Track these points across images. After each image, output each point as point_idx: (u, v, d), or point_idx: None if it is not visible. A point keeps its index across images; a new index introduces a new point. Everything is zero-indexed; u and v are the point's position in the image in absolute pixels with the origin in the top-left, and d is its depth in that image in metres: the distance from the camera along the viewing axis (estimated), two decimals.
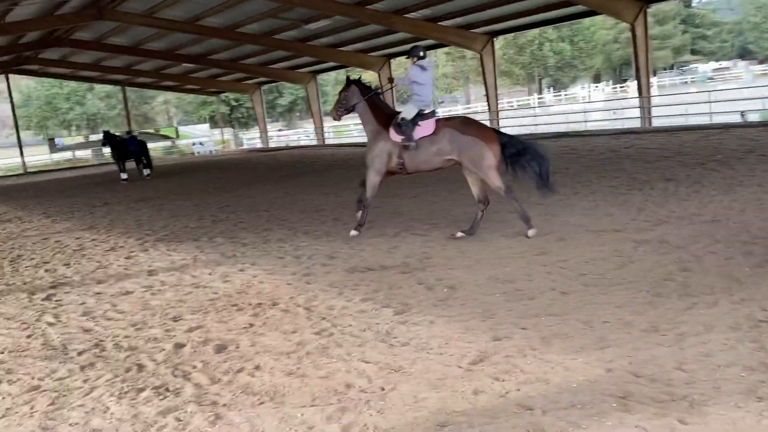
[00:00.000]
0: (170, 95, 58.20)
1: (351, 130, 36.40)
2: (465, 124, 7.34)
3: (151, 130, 46.41)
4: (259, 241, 8.56)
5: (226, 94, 45.96)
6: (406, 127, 7.34)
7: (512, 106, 46.62)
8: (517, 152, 7.08)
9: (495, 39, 24.42)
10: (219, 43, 27.06)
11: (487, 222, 8.03)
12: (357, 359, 4.06)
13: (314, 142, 35.41)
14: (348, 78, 8.11)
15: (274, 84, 45.13)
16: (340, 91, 8.09)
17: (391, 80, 8.50)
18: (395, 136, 7.44)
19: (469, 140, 7.07)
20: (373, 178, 7.81)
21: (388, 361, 3.97)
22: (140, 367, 4.33)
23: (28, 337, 5.29)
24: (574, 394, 3.29)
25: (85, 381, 4.18)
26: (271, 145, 38.45)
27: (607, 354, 3.76)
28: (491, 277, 5.61)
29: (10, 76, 35.49)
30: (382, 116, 7.67)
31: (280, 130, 54.74)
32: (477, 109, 48.52)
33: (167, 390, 3.89)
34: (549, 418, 3.08)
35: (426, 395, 3.46)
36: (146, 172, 21.53)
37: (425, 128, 7.30)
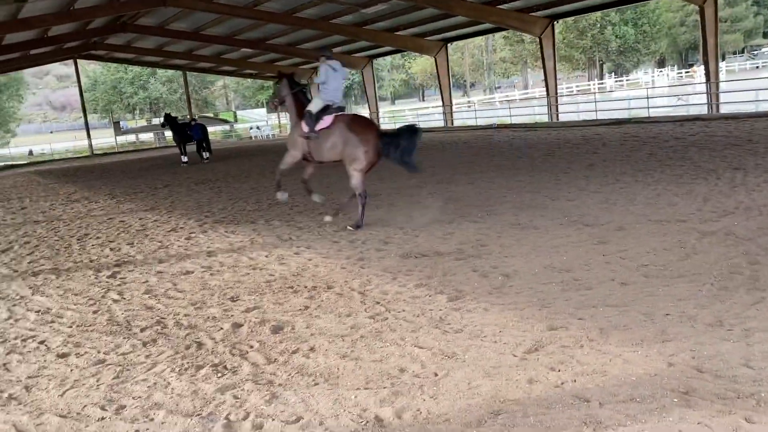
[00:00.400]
0: (229, 80, 59.31)
1: (406, 115, 36.29)
2: (352, 122, 7.97)
3: (210, 114, 47.45)
4: (314, 224, 8.66)
5: None
6: (310, 119, 8.01)
7: (571, 91, 45.50)
8: (393, 141, 7.89)
9: (555, 23, 23.80)
10: (277, 28, 27.33)
11: (544, 210, 7.89)
12: (410, 344, 4.07)
13: None
14: (279, 72, 8.94)
15: None
16: (274, 83, 8.76)
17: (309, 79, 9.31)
18: (303, 127, 8.10)
19: (351, 138, 7.80)
20: (285, 160, 8.73)
21: (441, 347, 3.96)
22: (199, 345, 4.46)
23: (95, 312, 5.52)
24: (633, 388, 3.21)
25: (147, 356, 4.33)
26: None
27: (668, 347, 3.65)
28: (548, 266, 5.51)
29: (79, 61, 36.86)
30: (301, 109, 8.29)
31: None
32: (535, 95, 47.59)
33: (225, 368, 3.99)
34: (606, 411, 3.01)
35: (480, 382, 3.44)
36: (206, 155, 22.05)
37: (325, 122, 7.96)
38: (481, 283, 5.24)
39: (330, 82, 8.13)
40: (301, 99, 8.47)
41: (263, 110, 48.65)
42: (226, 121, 45.39)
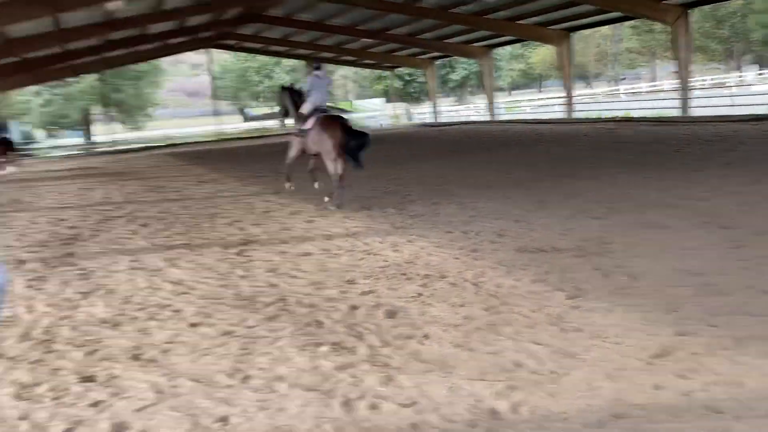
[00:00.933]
0: (348, 70, 60.63)
1: (524, 106, 35.43)
2: (324, 122, 9.53)
3: (329, 104, 48.78)
4: (428, 213, 8.70)
5: (400, 68, 46.88)
6: (299, 120, 9.99)
7: (704, 84, 42.43)
8: (352, 140, 9.41)
9: (690, 11, 22.25)
10: (397, 18, 27.57)
11: (673, 209, 7.45)
12: (527, 340, 4.00)
13: (485, 118, 35.00)
14: (281, 86, 11.02)
15: (447, 59, 45.19)
16: (278, 95, 10.90)
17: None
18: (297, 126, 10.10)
19: (321, 135, 9.46)
20: (289, 155, 10.80)
21: (560, 346, 3.86)
22: (319, 324, 4.63)
23: (223, 286, 5.87)
24: None
25: (271, 331, 4.55)
26: (441, 120, 38.66)
27: None
28: (677, 269, 5.19)
29: (211, 50, 39.14)
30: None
31: (451, 105, 54.85)
32: (663, 87, 44.81)
33: (343, 347, 4.12)
34: (742, 426, 2.81)
35: (601, 384, 3.32)
36: None
37: (309, 122, 9.66)
38: (603, 283, 5.04)
39: (315, 90, 9.82)
40: (299, 104, 10.07)
41: (380, 100, 49.38)
42: (343, 111, 46.52)
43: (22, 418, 3.46)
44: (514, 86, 77.41)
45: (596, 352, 3.73)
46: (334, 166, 9.56)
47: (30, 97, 50.31)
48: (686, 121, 20.54)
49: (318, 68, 10.19)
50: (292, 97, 10.32)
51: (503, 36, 29.59)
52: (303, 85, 10.19)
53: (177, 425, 3.24)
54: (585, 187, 9.67)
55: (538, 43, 40.09)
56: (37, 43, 21.49)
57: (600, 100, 35.84)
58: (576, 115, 28.67)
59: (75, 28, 21.54)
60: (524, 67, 68.91)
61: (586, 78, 68.13)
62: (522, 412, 3.11)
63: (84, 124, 51.27)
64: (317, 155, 9.95)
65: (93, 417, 3.40)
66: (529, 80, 76.66)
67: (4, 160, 22.39)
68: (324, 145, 9.46)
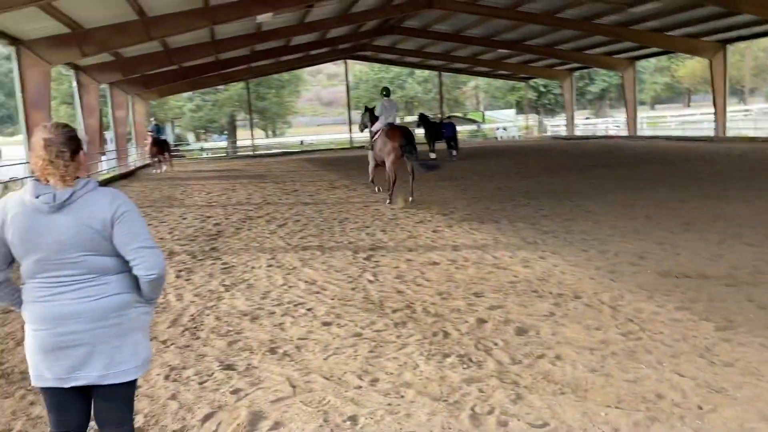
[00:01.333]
0: (481, 80, 60.29)
1: (668, 122, 33.39)
2: (387, 132, 11.29)
3: (459, 114, 48.71)
4: (560, 230, 8.42)
5: (535, 80, 45.88)
6: (372, 135, 12.04)
7: None
8: (408, 151, 11.19)
9: None
10: (535, 29, 27.03)
11: None
12: (669, 370, 3.74)
13: (624, 133, 33.34)
14: (365, 107, 13.17)
15: (586, 70, 43.63)
16: (362, 114, 13.20)
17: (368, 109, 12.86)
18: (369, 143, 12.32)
19: (384, 142, 11.26)
20: (369, 168, 12.57)
21: (707, 379, 3.57)
22: (446, 334, 4.62)
23: (353, 289, 6.03)
24: None
25: (398, 337, 4.61)
26: (577, 133, 37.33)
27: None
28: None
29: (348, 61, 40.51)
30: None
31: (587, 118, 52.81)
32: None
33: (470, 360, 4.07)
34: None
35: (755, 425, 3.03)
36: (453, 153, 22.73)
37: (376, 135, 11.68)
38: (757, 315, 4.61)
39: (385, 113, 11.71)
40: (374, 123, 12.07)
41: (511, 111, 48.60)
42: (474, 121, 46.29)
43: (171, 398, 3.75)
44: (658, 100, 73.13)
45: (749, 390, 3.41)
46: (392, 170, 11.41)
47: (183, 102, 54.77)
48: None
49: (387, 95, 12.07)
50: (371, 116, 12.27)
51: (649, 48, 28.07)
52: (378, 106, 11.90)
53: (310, 420, 3.36)
54: (736, 210, 8.92)
55: (687, 55, 37.64)
56: (194, 52, 23.37)
57: (756, 118, 32.89)
58: (728, 133, 26.53)
59: (227, 39, 23.21)
60: (669, 80, 64.85)
61: (740, 93, 62.92)
62: None
63: (229, 128, 55.00)
64: (383, 164, 11.59)
65: (233, 404, 3.62)
66: (675, 94, 72.07)
67: (159, 159, 25.44)
68: (386, 147, 11.21)
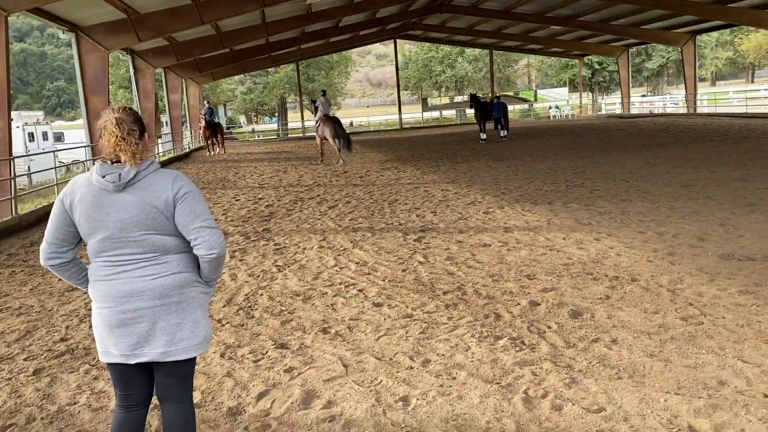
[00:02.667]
0: (533, 58, 59.02)
1: (730, 98, 32.00)
2: (324, 121, 17.33)
3: (511, 93, 47.89)
4: (616, 211, 8.20)
5: (589, 57, 44.62)
6: (316, 121, 18.12)
7: None
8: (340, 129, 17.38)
9: None
10: (590, 3, 26.19)
11: None
12: (732, 356, 3.61)
13: (683, 110, 32.15)
14: (312, 100, 20.00)
15: (642, 46, 42.16)
16: (313, 101, 19.28)
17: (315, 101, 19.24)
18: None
19: (322, 128, 17.33)
20: (317, 141, 18.77)
21: None
22: (497, 316, 4.57)
23: (403, 271, 6.03)
24: None
25: (449, 318, 4.59)
26: (633, 111, 36.19)
27: None
28: None
29: (397, 41, 40.24)
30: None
31: (643, 95, 51.12)
32: None
33: (523, 343, 4.03)
34: None
35: None
36: (503, 133, 22.39)
37: (319, 122, 17.75)
38: None
39: (323, 107, 17.75)
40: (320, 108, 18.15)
41: (565, 89, 47.47)
42: (525, 100, 45.43)
43: (227, 375, 3.84)
44: (719, 76, 70.18)
45: None
46: (334, 143, 17.18)
47: (235, 85, 55.59)
48: None
49: (324, 95, 18.47)
50: (314, 103, 18.64)
51: (710, 21, 26.83)
52: (319, 102, 17.95)
53: (362, 399, 3.39)
54: None
55: (752, 28, 35.89)
56: (245, 35, 23.61)
57: None
58: None
59: (277, 21, 23.35)
60: (732, 55, 62.06)
61: None
62: None
63: (280, 111, 55.59)
64: (325, 139, 17.61)
65: (287, 382, 3.68)
66: (738, 70, 69.00)
67: (213, 142, 27.26)
68: (326, 132, 17.22)
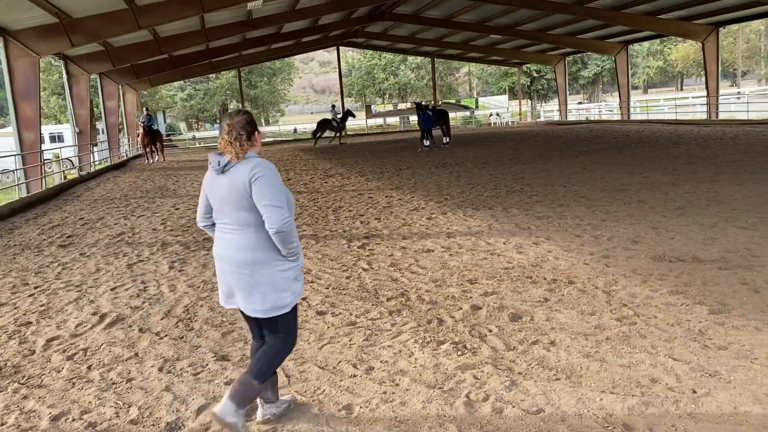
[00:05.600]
0: (474, 67, 60.07)
1: (661, 105, 33.37)
2: (144, 131, 23.12)
3: (452, 101, 48.58)
4: (554, 215, 8.41)
5: (528, 65, 45.75)
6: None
7: None
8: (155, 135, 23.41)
9: None
10: (527, 13, 26.89)
11: None
12: (663, 354, 3.75)
13: (617, 117, 33.34)
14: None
15: (578, 55, 43.54)
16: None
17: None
18: None
19: (142, 137, 23.58)
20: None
21: (701, 363, 3.58)
22: (440, 321, 4.61)
23: (347, 278, 6.02)
24: None
25: (393, 325, 4.60)
26: (570, 118, 37.28)
27: None
28: None
29: (340, 48, 40.27)
30: None
31: (579, 102, 52.74)
32: None
33: (465, 347, 4.07)
34: None
35: (748, 409, 3.04)
36: (445, 140, 22.68)
37: (140, 130, 23.76)
38: (751, 299, 4.62)
39: (142, 118, 21.47)
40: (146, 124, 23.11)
41: (505, 97, 48.48)
42: (467, 108, 46.17)
43: (165, 389, 3.73)
44: (651, 84, 73.15)
45: (743, 374, 3.42)
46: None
47: (175, 91, 54.41)
48: None
49: (147, 110, 20.67)
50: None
51: (642, 31, 27.98)
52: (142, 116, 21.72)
53: (305, 409, 3.35)
54: (730, 193, 8.93)
55: (679, 38, 37.58)
56: (184, 41, 23.14)
57: (749, 101, 32.94)
58: (720, 116, 26.56)
59: (218, 27, 22.99)
60: (662, 64, 64.83)
61: (732, 76, 63.01)
62: (657, 431, 2.91)
63: (222, 117, 54.74)
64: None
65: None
66: (668, 78, 72.11)
67: (151, 149, 26.82)
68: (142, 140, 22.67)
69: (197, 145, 40.39)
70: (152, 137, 24.04)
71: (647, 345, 3.91)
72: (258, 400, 3.21)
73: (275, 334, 3.11)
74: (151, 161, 24.16)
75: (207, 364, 4.06)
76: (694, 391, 3.26)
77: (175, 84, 50.91)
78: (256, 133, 3.04)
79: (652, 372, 3.52)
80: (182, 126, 59.82)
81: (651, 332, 4.12)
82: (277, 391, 3.26)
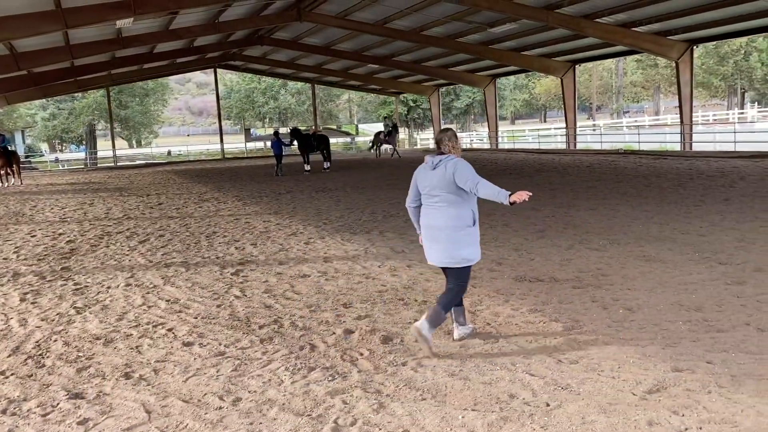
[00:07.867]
0: (354, 94, 61.05)
1: (526, 135, 35.60)
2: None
3: (333, 126, 49.00)
4: None
5: (405, 95, 47.20)
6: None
7: (707, 120, 42.73)
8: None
9: (695, 47, 22.48)
10: (403, 45, 27.83)
11: (672, 243, 7.46)
12: (522, 370, 3.97)
13: (487, 146, 35.17)
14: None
15: (451, 86, 45.55)
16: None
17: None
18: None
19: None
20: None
21: (554, 377, 3.83)
22: (312, 347, 4.59)
23: (218, 306, 5.85)
24: None
25: (263, 353, 4.52)
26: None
27: None
28: (675, 303, 5.17)
29: (218, 70, 39.46)
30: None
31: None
32: (667, 121, 45.15)
33: (336, 372, 4.08)
34: None
35: (594, 418, 3.28)
36: (326, 165, 22.81)
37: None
38: (600, 315, 5.02)
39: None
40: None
41: (384, 124, 49.57)
42: (347, 134, 46.74)
43: None
44: (518, 116, 77.96)
45: (590, 386, 3.69)
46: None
47: (35, 110, 50.62)
48: (688, 155, 20.63)
49: (2, 130, 22.49)
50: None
51: (508, 66, 29.84)
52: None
53: None
54: (584, 218, 9.68)
55: (542, 74, 40.47)
56: (46, 57, 21.64)
57: (602, 132, 36.02)
58: (578, 146, 28.79)
59: (84, 44, 21.74)
60: (528, 97, 69.39)
61: (589, 110, 68.64)
62: None
63: (88, 138, 51.49)
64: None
65: None
66: (532, 110, 77.22)
67: (6, 172, 24.15)
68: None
69: (60, 167, 37.69)
70: (8, 159, 22.26)
71: (507, 362, 4.11)
72: (454, 324, 4.65)
73: (457, 280, 4.43)
74: (7, 184, 22.28)
75: (58, 403, 3.77)
76: (548, 404, 3.47)
77: (37, 102, 47.38)
78: (457, 140, 4.53)
79: (511, 388, 3.71)
80: (44, 147, 55.64)
81: (511, 349, 4.35)
82: (465, 317, 4.71)
